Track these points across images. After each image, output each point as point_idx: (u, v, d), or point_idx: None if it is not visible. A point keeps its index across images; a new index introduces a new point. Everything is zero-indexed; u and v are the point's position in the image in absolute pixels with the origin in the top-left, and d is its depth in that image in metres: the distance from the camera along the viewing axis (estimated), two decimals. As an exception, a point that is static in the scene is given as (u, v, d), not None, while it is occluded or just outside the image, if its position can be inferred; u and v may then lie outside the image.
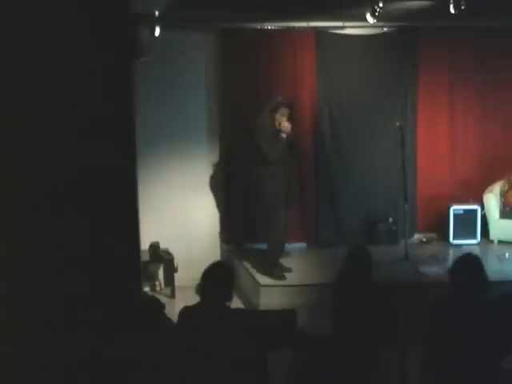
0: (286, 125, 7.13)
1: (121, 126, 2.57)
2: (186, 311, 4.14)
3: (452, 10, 7.03)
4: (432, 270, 7.48)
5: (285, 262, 7.64)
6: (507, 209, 8.66)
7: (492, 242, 8.59)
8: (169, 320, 4.35)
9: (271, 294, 7.05)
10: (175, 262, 7.99)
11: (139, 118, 2.82)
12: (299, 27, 8.40)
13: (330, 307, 5.19)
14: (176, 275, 7.94)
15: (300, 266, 7.80)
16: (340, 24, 8.46)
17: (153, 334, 3.52)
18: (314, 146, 8.64)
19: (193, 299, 4.16)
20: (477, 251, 8.03)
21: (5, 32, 2.42)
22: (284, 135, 7.13)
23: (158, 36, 6.89)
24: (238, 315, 4.17)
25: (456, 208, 8.56)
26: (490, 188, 8.76)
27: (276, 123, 7.14)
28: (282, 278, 7.29)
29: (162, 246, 8.07)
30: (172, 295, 7.86)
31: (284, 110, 7.17)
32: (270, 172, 7.16)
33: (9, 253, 2.48)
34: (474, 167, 8.99)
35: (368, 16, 7.49)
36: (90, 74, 2.50)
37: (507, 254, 7.95)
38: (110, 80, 2.53)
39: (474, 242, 8.51)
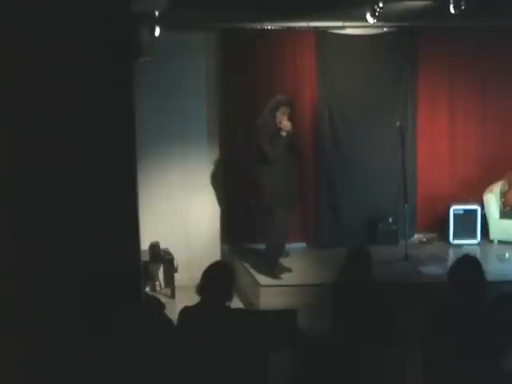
0: (286, 123, 7.14)
1: (121, 126, 2.57)
2: (185, 311, 4.14)
3: (452, 10, 7.03)
4: (432, 269, 7.47)
5: (285, 262, 7.63)
6: (507, 209, 8.66)
7: (492, 242, 8.59)
8: (169, 320, 4.35)
9: (271, 294, 7.05)
10: (175, 262, 7.99)
11: (139, 118, 2.82)
12: (299, 27, 8.40)
13: (329, 307, 5.20)
14: (176, 275, 7.94)
15: (300, 266, 7.80)
16: (340, 24, 8.45)
17: (153, 334, 3.51)
18: (313, 145, 8.64)
19: (193, 299, 4.16)
20: (477, 251, 8.06)
21: (5, 32, 2.42)
22: (284, 134, 7.13)
23: (158, 36, 6.89)
24: (237, 315, 4.17)
25: (456, 208, 8.56)
26: (490, 188, 8.76)
27: (277, 122, 7.15)
28: (281, 277, 7.28)
29: (162, 246, 8.06)
30: (172, 295, 7.86)
31: (285, 109, 7.18)
32: (270, 171, 7.16)
33: (9, 253, 2.48)
34: (474, 167, 8.99)
35: (368, 16, 7.49)
36: (90, 74, 2.50)
37: (507, 254, 7.95)
38: (110, 80, 2.53)
39: (474, 242, 8.50)
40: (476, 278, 3.80)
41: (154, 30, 6.81)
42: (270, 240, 7.46)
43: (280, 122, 7.13)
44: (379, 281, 5.56)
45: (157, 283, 8.22)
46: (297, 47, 8.53)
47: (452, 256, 8.11)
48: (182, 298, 7.12)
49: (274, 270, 7.35)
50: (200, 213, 8.46)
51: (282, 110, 7.17)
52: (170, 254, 8.08)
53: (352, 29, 8.55)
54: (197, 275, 4.25)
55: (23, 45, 2.43)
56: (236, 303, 5.62)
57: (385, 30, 8.58)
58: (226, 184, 8.52)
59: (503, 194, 8.73)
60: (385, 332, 4.83)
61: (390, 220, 8.57)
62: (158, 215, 8.14)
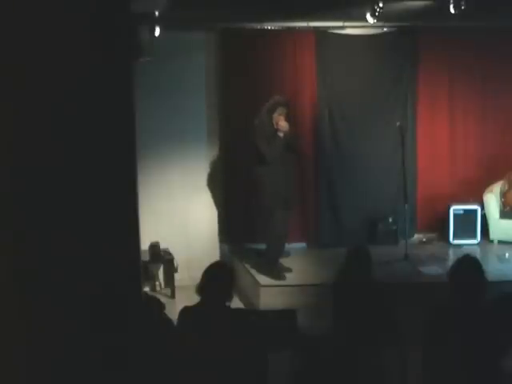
0: (283, 124, 7.15)
1: (121, 126, 2.57)
2: (185, 311, 4.14)
3: (452, 10, 7.03)
4: (432, 269, 7.47)
5: (285, 262, 7.63)
6: (507, 209, 8.66)
7: (492, 242, 8.58)
8: (169, 320, 4.35)
9: (271, 294, 7.05)
10: (175, 262, 7.99)
11: (139, 118, 2.82)
12: (299, 27, 8.40)
13: (329, 307, 5.20)
14: (176, 275, 7.94)
15: (300, 266, 7.80)
16: (340, 24, 8.45)
17: (153, 334, 3.51)
18: (313, 145, 8.64)
19: (193, 299, 4.16)
20: (477, 251, 8.06)
21: (5, 32, 2.42)
22: (281, 134, 7.14)
23: (158, 36, 6.89)
24: (237, 315, 4.17)
25: (456, 208, 8.56)
26: (490, 188, 8.76)
27: (274, 122, 7.16)
28: (282, 277, 7.29)
29: (162, 246, 8.06)
30: (172, 295, 7.86)
31: (281, 110, 7.19)
32: (268, 171, 7.17)
33: (10, 252, 2.48)
34: (473, 167, 8.99)
35: (368, 16, 7.49)
36: (90, 74, 2.50)
37: (507, 254, 7.94)
38: (110, 80, 2.53)
39: (474, 241, 8.50)
40: (476, 278, 3.80)
41: (154, 30, 6.81)
42: (270, 240, 7.46)
43: (277, 123, 7.14)
44: (379, 281, 5.56)
45: (157, 283, 8.23)
46: (297, 47, 8.53)
47: (452, 256, 8.11)
48: (181, 298, 7.12)
49: (274, 269, 7.35)
50: (200, 213, 8.46)
51: (279, 111, 7.18)
52: (170, 253, 8.08)
53: (352, 29, 8.54)
54: (197, 275, 4.25)
55: (23, 45, 2.43)
56: (236, 303, 5.62)
57: (385, 29, 8.58)
58: (225, 184, 8.52)
59: (503, 194, 8.73)
60: (385, 332, 4.83)
61: (390, 220, 8.57)
62: (158, 215, 8.15)
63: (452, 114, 8.91)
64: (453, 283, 3.82)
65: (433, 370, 3.84)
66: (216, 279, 4.06)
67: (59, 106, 2.47)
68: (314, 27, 8.44)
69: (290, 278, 7.34)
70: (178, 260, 8.01)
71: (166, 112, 8.15)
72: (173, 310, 4.61)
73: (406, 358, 4.72)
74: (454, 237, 8.54)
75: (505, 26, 8.36)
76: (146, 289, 7.94)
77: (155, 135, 7.97)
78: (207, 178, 8.51)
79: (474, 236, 8.53)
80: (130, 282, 2.63)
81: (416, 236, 8.88)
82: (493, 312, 3.78)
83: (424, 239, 8.78)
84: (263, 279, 7.29)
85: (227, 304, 4.09)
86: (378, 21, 7.60)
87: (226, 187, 8.53)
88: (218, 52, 8.42)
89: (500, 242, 8.53)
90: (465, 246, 8.29)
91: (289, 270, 7.50)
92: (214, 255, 7.92)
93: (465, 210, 8.56)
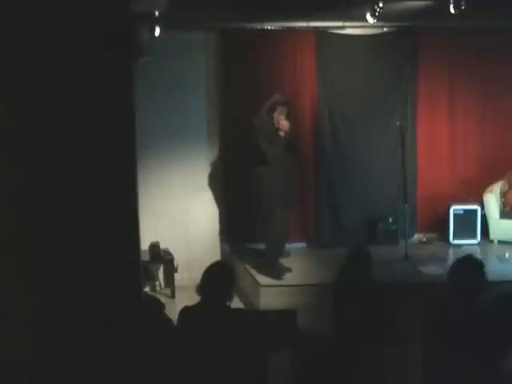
0: (284, 123, 7.14)
1: (121, 126, 2.57)
2: (186, 311, 4.15)
3: (452, 10, 7.03)
4: (432, 269, 7.47)
5: (285, 262, 7.63)
6: (507, 209, 8.66)
7: (492, 242, 8.59)
8: (169, 320, 4.35)
9: (271, 294, 7.05)
10: (175, 262, 7.99)
11: (139, 118, 2.82)
12: (299, 27, 8.40)
13: (330, 307, 5.20)
14: (176, 275, 7.94)
15: (300, 266, 7.80)
16: (340, 24, 8.45)
17: (153, 334, 3.51)
18: (313, 145, 8.64)
19: (193, 299, 4.17)
20: (477, 251, 8.05)
21: (5, 31, 2.42)
22: (282, 134, 7.13)
23: (158, 36, 6.89)
24: (237, 315, 4.17)
25: (456, 208, 8.56)
26: (490, 188, 8.76)
27: (274, 122, 7.15)
28: (282, 278, 7.28)
29: (162, 246, 8.06)
30: (172, 295, 7.86)
31: (282, 109, 7.19)
32: (269, 171, 7.17)
33: (9, 252, 2.48)
34: (473, 167, 8.99)
35: (368, 16, 7.49)
36: (90, 74, 2.50)
37: (507, 254, 7.94)
38: (110, 80, 2.53)
39: (474, 241, 8.50)
40: (476, 278, 3.80)
41: (154, 30, 6.81)
42: (269, 240, 7.46)
43: (278, 123, 7.14)
44: (379, 281, 5.57)
45: (157, 283, 8.23)
46: (297, 47, 8.53)
47: (452, 256, 8.11)
48: (182, 298, 7.12)
49: (274, 269, 7.35)
50: (200, 213, 8.46)
51: (280, 110, 7.18)
52: (170, 253, 8.08)
53: (352, 29, 8.54)
54: (197, 275, 4.26)
55: (23, 44, 2.43)
56: (236, 303, 5.62)
57: (385, 29, 8.58)
58: (226, 184, 8.52)
59: (503, 194, 8.73)
60: (385, 332, 4.83)
61: (390, 220, 8.57)
62: (158, 215, 8.15)
63: (452, 114, 8.92)
64: (453, 283, 3.82)
65: (433, 369, 3.85)
66: (216, 279, 4.06)
67: (59, 105, 2.47)
68: (314, 27, 8.44)
69: (290, 278, 7.34)
70: (178, 260, 8.01)
71: (166, 112, 8.15)
72: (173, 310, 4.61)
73: (406, 358, 4.72)
74: (454, 237, 8.55)
75: (504, 26, 8.36)
76: (146, 289, 7.94)
77: (155, 135, 7.97)
78: (207, 177, 8.51)
79: (474, 236, 8.53)
80: (130, 281, 2.63)
81: (416, 236, 8.88)
82: (493, 312, 3.78)
83: (424, 239, 8.78)
84: (263, 279, 7.29)
85: (227, 304, 4.09)
86: (378, 21, 7.60)
87: (227, 187, 8.53)
88: (217, 52, 8.42)
89: (500, 242, 8.53)
90: (465, 246, 8.29)
91: (289, 270, 7.50)
92: (214, 255, 7.91)
93: (465, 210, 8.57)
